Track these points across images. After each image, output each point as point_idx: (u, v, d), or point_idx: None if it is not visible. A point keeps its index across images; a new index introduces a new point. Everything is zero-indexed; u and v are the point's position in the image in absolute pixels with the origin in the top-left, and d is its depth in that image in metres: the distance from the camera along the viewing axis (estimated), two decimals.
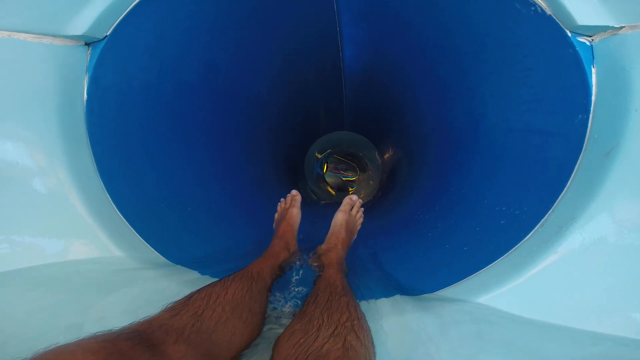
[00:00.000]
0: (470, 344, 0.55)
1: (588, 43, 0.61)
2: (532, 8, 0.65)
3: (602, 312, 0.53)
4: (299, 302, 0.72)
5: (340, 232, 0.95)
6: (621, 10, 0.55)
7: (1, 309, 0.56)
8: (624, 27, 0.55)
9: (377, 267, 0.92)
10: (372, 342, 0.52)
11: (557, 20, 0.62)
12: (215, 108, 1.15)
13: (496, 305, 0.59)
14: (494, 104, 0.85)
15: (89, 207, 0.73)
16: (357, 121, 1.87)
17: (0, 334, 0.51)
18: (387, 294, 0.70)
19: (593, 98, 0.61)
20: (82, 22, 0.71)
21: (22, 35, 0.67)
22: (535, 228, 0.63)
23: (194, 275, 0.77)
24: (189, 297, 0.55)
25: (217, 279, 0.61)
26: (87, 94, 0.77)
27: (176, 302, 0.54)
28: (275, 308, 0.69)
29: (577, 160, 0.62)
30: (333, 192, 2.11)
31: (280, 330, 0.55)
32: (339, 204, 1.06)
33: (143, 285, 0.67)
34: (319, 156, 2.06)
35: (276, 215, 1.09)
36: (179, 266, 0.80)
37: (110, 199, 0.79)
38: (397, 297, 0.69)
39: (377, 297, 0.70)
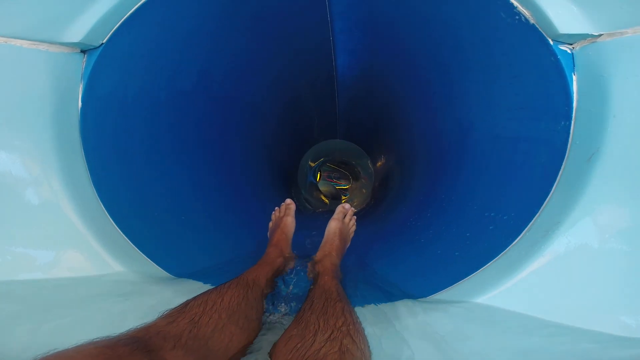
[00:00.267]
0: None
1: (569, 51, 0.62)
2: (517, 17, 0.66)
3: (587, 311, 0.55)
4: (295, 308, 0.73)
5: (334, 240, 0.97)
6: (599, 18, 0.56)
7: None
8: (602, 35, 0.57)
9: (370, 273, 0.93)
10: (368, 346, 0.53)
11: (539, 29, 0.64)
12: (211, 117, 1.15)
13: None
14: (481, 112, 0.87)
15: (82, 217, 0.72)
16: (350, 130, 1.89)
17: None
18: (381, 300, 0.71)
19: (574, 105, 0.62)
20: (79, 30, 0.71)
21: (18, 42, 0.67)
22: (523, 232, 0.65)
23: (192, 285, 0.78)
24: (186, 304, 0.55)
25: (213, 287, 0.62)
26: (82, 102, 0.77)
27: (173, 309, 0.54)
28: (271, 314, 0.70)
29: (560, 166, 0.63)
30: (327, 201, 2.12)
31: (277, 337, 0.56)
32: (333, 211, 1.08)
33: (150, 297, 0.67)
34: (312, 164, 2.07)
35: (271, 224, 1.10)
36: (179, 278, 0.80)
37: (104, 209, 0.78)
38: (392, 302, 0.70)
39: (370, 303, 0.71)
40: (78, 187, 0.74)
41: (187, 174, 1.06)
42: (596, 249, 0.56)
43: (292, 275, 0.86)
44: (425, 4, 0.86)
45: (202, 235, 1.03)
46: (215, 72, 1.09)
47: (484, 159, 0.85)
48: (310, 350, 0.48)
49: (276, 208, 1.13)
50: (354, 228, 1.08)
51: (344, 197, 2.13)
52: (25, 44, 0.68)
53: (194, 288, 0.77)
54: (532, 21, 0.64)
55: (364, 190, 2.04)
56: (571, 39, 0.61)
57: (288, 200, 1.12)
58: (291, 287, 0.81)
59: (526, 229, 0.65)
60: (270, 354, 0.52)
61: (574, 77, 0.62)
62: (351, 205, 1.12)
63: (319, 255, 0.93)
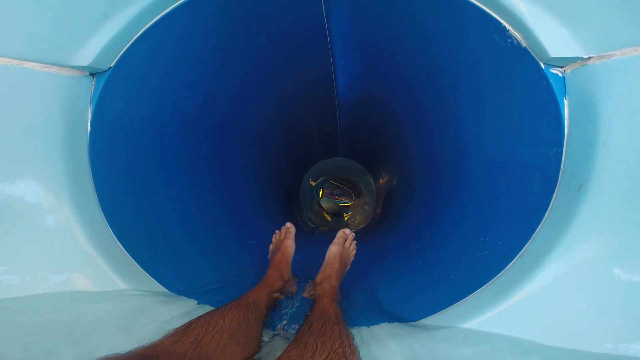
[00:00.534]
0: None
1: (560, 74, 0.62)
2: (509, 40, 0.66)
3: (576, 335, 0.56)
4: (294, 329, 0.75)
5: (334, 264, 1.00)
6: (589, 41, 0.56)
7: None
8: (592, 57, 0.57)
9: (369, 295, 0.95)
10: None
11: (531, 52, 0.64)
12: (215, 140, 1.18)
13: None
14: (476, 135, 0.88)
15: (90, 240, 0.73)
16: (351, 148, 1.91)
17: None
18: (378, 321, 0.73)
19: (566, 131, 0.62)
20: (88, 53, 0.72)
21: (30, 64, 0.68)
22: (516, 258, 0.66)
23: (194, 303, 0.80)
24: (189, 324, 0.58)
25: (215, 308, 0.65)
26: (91, 126, 0.78)
27: (177, 328, 0.57)
28: (270, 334, 0.72)
29: (553, 193, 0.64)
30: (329, 218, 2.14)
31: (275, 357, 0.58)
32: (335, 230, 1.11)
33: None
34: (313, 184, 2.10)
35: (271, 246, 1.13)
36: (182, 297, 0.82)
37: (111, 232, 0.79)
38: (386, 324, 0.72)
39: (368, 325, 0.73)
40: (86, 210, 0.75)
41: (193, 196, 1.08)
42: (585, 276, 0.57)
43: (291, 297, 0.88)
44: (421, 29, 0.88)
45: (206, 255, 1.05)
46: (219, 95, 1.12)
47: (480, 184, 0.86)
48: None
49: (276, 231, 1.17)
50: (354, 252, 1.12)
51: (346, 215, 2.15)
52: (37, 66, 0.69)
53: (197, 306, 0.79)
54: (524, 44, 0.65)
55: (366, 207, 2.05)
56: (562, 62, 0.61)
57: (288, 224, 1.16)
58: (290, 309, 0.83)
59: (519, 255, 0.66)
60: None
61: (566, 102, 0.62)
62: (354, 222, 1.15)
63: (319, 277, 0.96)
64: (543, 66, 0.63)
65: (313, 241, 1.58)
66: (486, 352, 0.58)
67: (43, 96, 0.71)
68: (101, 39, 0.72)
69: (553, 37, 0.59)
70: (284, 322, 0.78)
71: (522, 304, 0.60)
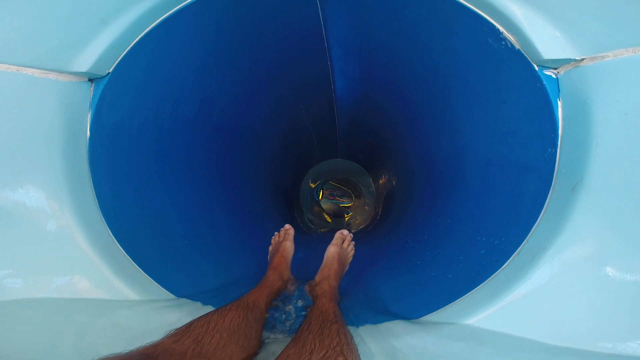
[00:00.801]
0: None
1: (554, 76, 0.63)
2: (503, 43, 0.67)
3: (571, 332, 0.57)
4: (293, 328, 0.76)
5: (333, 264, 1.01)
6: (581, 42, 0.57)
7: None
8: (585, 59, 0.57)
9: (367, 294, 0.96)
10: None
11: (525, 55, 0.64)
12: (214, 144, 1.19)
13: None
14: (472, 137, 0.89)
15: (92, 243, 0.74)
16: (350, 149, 1.93)
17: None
18: (376, 320, 0.74)
19: (560, 132, 0.63)
20: (87, 59, 0.72)
21: (30, 70, 0.68)
22: (512, 257, 0.67)
23: (195, 305, 0.80)
24: (190, 325, 0.59)
25: (215, 308, 0.66)
26: (90, 131, 0.78)
27: (178, 328, 0.58)
28: (270, 333, 0.72)
29: (547, 193, 0.65)
30: (329, 219, 2.14)
31: (275, 356, 0.59)
32: (335, 231, 1.12)
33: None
34: (313, 185, 2.11)
35: (270, 248, 1.15)
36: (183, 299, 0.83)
37: (112, 235, 0.80)
38: (385, 323, 0.72)
39: (365, 323, 0.74)
40: (87, 214, 0.76)
41: (193, 199, 1.09)
42: (581, 273, 0.58)
43: (290, 297, 0.89)
44: (416, 32, 0.89)
45: (206, 257, 1.06)
46: (218, 99, 1.13)
47: (476, 184, 0.87)
48: None
49: (275, 233, 1.18)
50: (352, 253, 1.13)
51: (346, 215, 2.15)
52: (36, 72, 0.69)
53: (197, 308, 0.80)
54: (517, 47, 0.65)
55: (366, 208, 2.06)
56: (555, 63, 0.62)
57: (287, 226, 1.17)
58: (289, 308, 0.84)
59: (515, 254, 0.67)
60: None
61: (559, 103, 0.63)
62: (354, 223, 1.16)
63: (318, 278, 0.97)
64: (537, 68, 0.64)
65: (313, 241, 1.59)
66: (482, 349, 0.59)
67: (42, 102, 0.71)
68: (99, 45, 0.73)
69: (546, 39, 0.60)
70: (284, 321, 0.79)
71: (519, 301, 0.60)
